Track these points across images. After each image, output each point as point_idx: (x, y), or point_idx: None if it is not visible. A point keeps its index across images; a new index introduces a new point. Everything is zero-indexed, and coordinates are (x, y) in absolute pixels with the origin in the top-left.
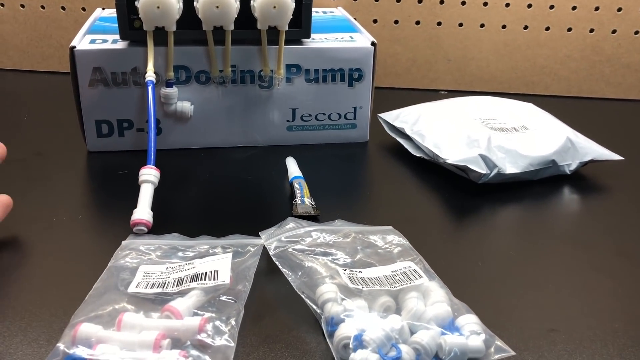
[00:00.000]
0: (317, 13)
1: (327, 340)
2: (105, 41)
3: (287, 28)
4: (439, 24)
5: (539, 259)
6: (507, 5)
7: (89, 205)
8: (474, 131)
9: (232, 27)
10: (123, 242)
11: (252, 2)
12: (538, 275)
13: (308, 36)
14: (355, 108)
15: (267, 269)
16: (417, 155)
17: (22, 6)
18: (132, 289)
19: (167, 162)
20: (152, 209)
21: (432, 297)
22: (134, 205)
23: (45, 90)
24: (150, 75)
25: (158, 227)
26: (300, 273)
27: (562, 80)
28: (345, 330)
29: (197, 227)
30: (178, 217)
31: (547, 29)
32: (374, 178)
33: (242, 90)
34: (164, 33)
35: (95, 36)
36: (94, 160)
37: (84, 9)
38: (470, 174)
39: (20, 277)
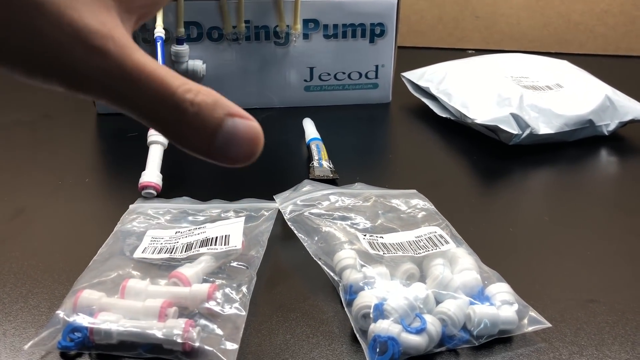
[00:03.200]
0: None
1: (345, 309)
2: None
3: None
4: None
5: (576, 225)
6: None
7: (97, 169)
8: (505, 89)
9: None
10: (131, 206)
11: None
12: (575, 242)
13: None
14: (376, 66)
15: (282, 234)
16: (444, 115)
17: None
18: (138, 254)
19: None
20: (162, 171)
21: (460, 264)
22: (143, 168)
23: None
24: (159, 31)
25: (168, 191)
26: (316, 238)
27: (598, 37)
28: (365, 299)
29: (209, 191)
30: (189, 180)
31: None
32: (396, 140)
33: (257, 48)
34: None
35: None
36: (104, 122)
37: None
38: (500, 135)
39: (24, 241)
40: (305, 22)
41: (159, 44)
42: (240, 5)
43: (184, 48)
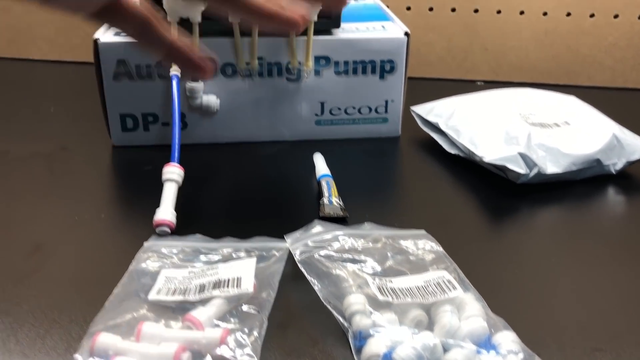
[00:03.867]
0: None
1: (355, 355)
2: None
3: (316, 19)
4: (476, 11)
5: (583, 267)
6: None
7: (112, 203)
8: (513, 127)
9: None
10: (145, 244)
11: None
12: (582, 286)
13: (338, 26)
14: (386, 101)
15: (292, 274)
16: (452, 152)
17: None
18: (152, 295)
19: (192, 157)
20: (176, 207)
21: (467, 311)
22: (157, 203)
23: (72, 81)
24: (175, 69)
25: (182, 227)
26: (327, 282)
27: (606, 70)
28: (375, 347)
29: (221, 227)
30: (202, 215)
31: (592, 15)
32: (405, 176)
33: (269, 83)
34: (188, 24)
35: None
36: (119, 154)
37: None
38: (508, 174)
39: (41, 280)
40: (317, 58)
41: (174, 82)
42: (253, 43)
43: (199, 84)
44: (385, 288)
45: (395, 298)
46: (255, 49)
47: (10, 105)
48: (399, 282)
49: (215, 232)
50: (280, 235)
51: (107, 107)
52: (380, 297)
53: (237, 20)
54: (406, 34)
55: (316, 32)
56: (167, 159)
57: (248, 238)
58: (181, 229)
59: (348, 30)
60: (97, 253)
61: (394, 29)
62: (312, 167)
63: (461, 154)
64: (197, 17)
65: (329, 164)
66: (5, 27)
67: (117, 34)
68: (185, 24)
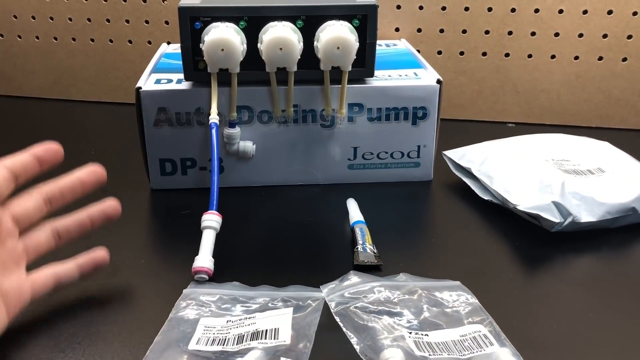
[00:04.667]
0: (379, 46)
1: None
2: (170, 81)
3: (350, 68)
4: (507, 55)
5: (622, 321)
6: (580, 35)
7: (151, 247)
8: (547, 175)
9: (295, 69)
10: (184, 291)
11: (315, 43)
12: (621, 341)
13: (371, 75)
14: (418, 146)
15: (328, 324)
16: (485, 197)
17: (92, 40)
18: (192, 346)
19: (227, 200)
20: (213, 253)
21: None
22: (195, 248)
23: (111, 121)
24: (214, 118)
25: (218, 273)
26: (363, 335)
27: (639, 113)
28: None
29: (256, 274)
30: (238, 262)
31: (624, 59)
32: (438, 221)
33: (304, 129)
34: (227, 74)
35: (160, 75)
36: (158, 198)
37: (149, 42)
38: (542, 222)
39: (86, 326)
40: (351, 105)
41: (213, 131)
42: (289, 92)
43: (236, 131)
44: (421, 342)
45: (431, 353)
46: (291, 97)
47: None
48: (435, 336)
49: (251, 278)
50: (315, 282)
51: (147, 152)
52: (417, 353)
53: (274, 70)
54: (438, 81)
55: (350, 81)
56: (204, 203)
57: (284, 286)
58: (218, 275)
59: (381, 78)
60: (137, 299)
61: (426, 76)
62: (345, 211)
63: (494, 200)
64: (235, 68)
65: (361, 207)
66: (50, 69)
67: (157, 82)
68: (223, 73)
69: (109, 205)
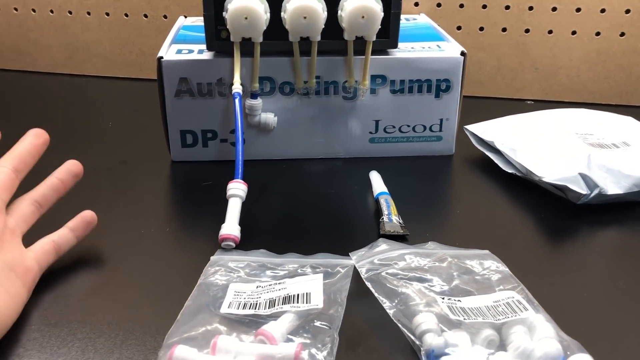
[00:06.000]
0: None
1: None
2: (191, 51)
3: (374, 38)
4: (527, 31)
5: None
6: (603, 11)
7: (175, 217)
8: (572, 147)
9: (318, 38)
10: (212, 258)
11: (339, 12)
12: None
13: (395, 46)
14: (441, 120)
15: (358, 291)
16: (509, 171)
17: (107, 14)
18: (224, 309)
19: (249, 173)
20: (238, 222)
21: (539, 333)
22: (219, 217)
23: (127, 97)
24: (237, 88)
25: (244, 242)
26: (395, 300)
27: None
28: None
29: (282, 243)
30: (263, 231)
31: None
32: (462, 194)
33: (325, 102)
34: (250, 44)
35: (181, 46)
36: (178, 170)
37: (165, 17)
38: (568, 194)
39: (113, 291)
40: (373, 77)
41: (236, 100)
42: (312, 63)
43: (258, 102)
44: (455, 307)
45: (466, 317)
46: (314, 68)
47: (69, 120)
48: (468, 302)
49: (278, 247)
50: (340, 252)
51: (167, 123)
52: (452, 316)
53: (297, 40)
54: (462, 53)
55: (373, 52)
56: (226, 174)
57: (310, 254)
58: (244, 243)
59: (404, 50)
60: (165, 266)
61: (450, 48)
62: (367, 184)
63: (518, 173)
64: (258, 38)
65: (383, 180)
66: (64, 44)
67: (179, 52)
68: (246, 43)
69: (71, 163)
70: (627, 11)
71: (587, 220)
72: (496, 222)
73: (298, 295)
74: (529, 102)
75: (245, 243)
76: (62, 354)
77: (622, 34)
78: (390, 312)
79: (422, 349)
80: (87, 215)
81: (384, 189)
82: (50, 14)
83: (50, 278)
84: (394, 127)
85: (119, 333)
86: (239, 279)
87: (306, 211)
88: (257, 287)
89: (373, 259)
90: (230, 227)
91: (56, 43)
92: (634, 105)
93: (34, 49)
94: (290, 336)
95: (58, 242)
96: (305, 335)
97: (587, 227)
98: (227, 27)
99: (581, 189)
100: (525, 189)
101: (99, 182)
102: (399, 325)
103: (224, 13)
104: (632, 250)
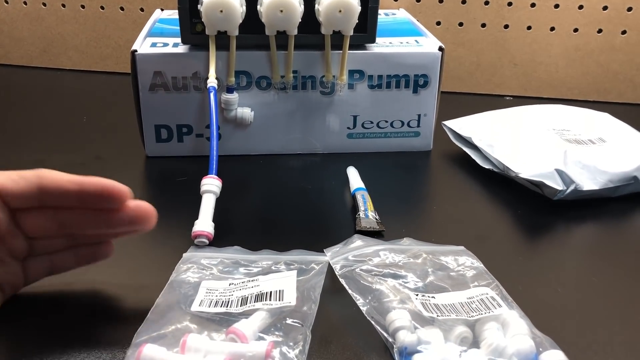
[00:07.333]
0: (379, 15)
1: None
2: (165, 45)
3: (352, 33)
4: (506, 26)
5: (625, 286)
6: (580, 7)
7: None
8: (548, 143)
9: (295, 32)
10: (184, 255)
11: (316, 5)
12: (624, 305)
13: (373, 41)
14: (419, 115)
15: (332, 288)
16: (486, 167)
17: (83, 7)
18: (195, 307)
19: (225, 168)
20: (212, 219)
21: (513, 329)
22: (193, 213)
23: (103, 91)
24: (212, 82)
25: (218, 239)
26: (369, 297)
27: (637, 87)
28: None
29: (257, 240)
30: (238, 228)
31: (624, 32)
32: (439, 190)
33: (303, 97)
34: (225, 37)
35: (156, 39)
36: (153, 165)
37: (142, 10)
38: (544, 190)
39: (81, 289)
40: (351, 72)
41: (211, 94)
42: (289, 57)
43: (234, 96)
44: (428, 304)
45: (439, 314)
46: (291, 62)
47: (43, 114)
48: (442, 298)
49: (252, 244)
50: (316, 248)
51: (142, 118)
52: (425, 313)
53: (274, 33)
54: (440, 48)
55: (351, 47)
56: (201, 170)
57: (285, 251)
58: (218, 240)
59: (382, 45)
60: (136, 263)
61: (428, 44)
62: (344, 180)
63: (495, 169)
64: (234, 31)
65: (361, 176)
66: (39, 37)
67: (153, 45)
68: (221, 37)
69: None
70: (605, 8)
71: (563, 216)
72: (472, 218)
73: (271, 292)
74: (507, 97)
75: (220, 240)
76: (31, 350)
77: (600, 31)
78: (364, 309)
79: (395, 346)
80: (103, 250)
81: (361, 184)
82: (24, 5)
83: None
84: (371, 122)
85: (87, 331)
86: (211, 276)
87: (283, 207)
88: (229, 284)
89: (347, 255)
90: (204, 223)
91: (30, 35)
92: (611, 102)
93: (7, 41)
94: (261, 334)
95: (56, 265)
96: (277, 333)
97: (563, 223)
98: (202, 20)
99: (557, 184)
100: (502, 184)
101: None
102: (372, 323)
103: (199, 6)
104: (606, 246)
